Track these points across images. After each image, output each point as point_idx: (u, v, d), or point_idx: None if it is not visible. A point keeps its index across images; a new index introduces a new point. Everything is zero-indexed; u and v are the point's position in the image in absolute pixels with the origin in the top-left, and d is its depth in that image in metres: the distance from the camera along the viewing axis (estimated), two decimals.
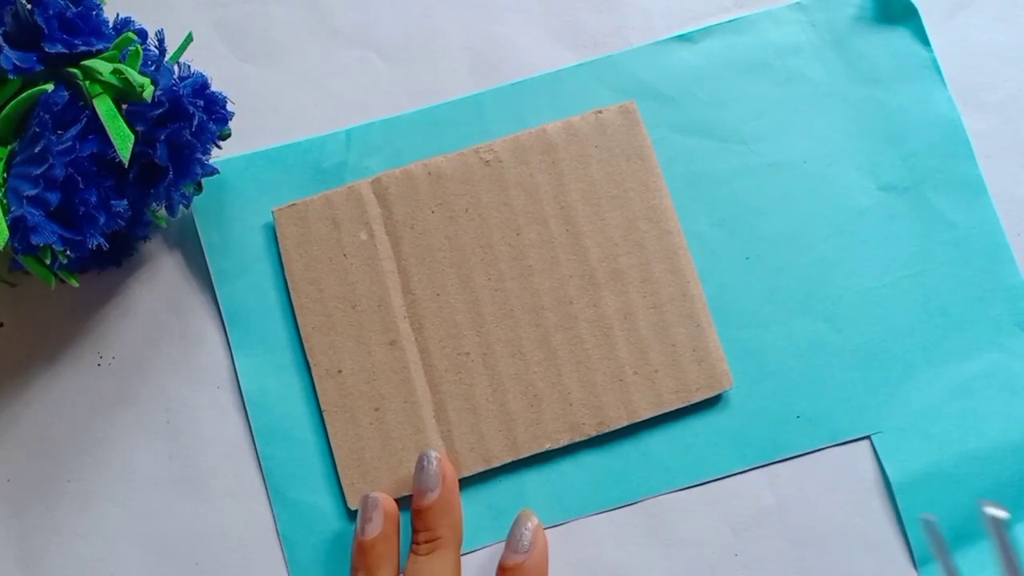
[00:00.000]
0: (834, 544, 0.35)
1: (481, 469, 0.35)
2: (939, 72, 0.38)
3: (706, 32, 0.39)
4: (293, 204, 0.37)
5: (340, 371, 0.36)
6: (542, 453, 0.36)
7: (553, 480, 0.36)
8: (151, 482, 0.37)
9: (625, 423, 0.35)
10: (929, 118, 0.38)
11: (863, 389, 0.36)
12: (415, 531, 0.34)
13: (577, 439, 0.35)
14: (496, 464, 0.35)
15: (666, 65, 0.39)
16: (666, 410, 0.35)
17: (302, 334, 0.36)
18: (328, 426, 0.36)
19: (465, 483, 0.36)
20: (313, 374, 0.36)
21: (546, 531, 0.36)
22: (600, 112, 0.37)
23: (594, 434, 0.35)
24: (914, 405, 0.36)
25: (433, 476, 0.34)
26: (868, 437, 0.36)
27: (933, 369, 0.36)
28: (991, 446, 0.36)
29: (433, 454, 0.34)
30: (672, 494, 0.36)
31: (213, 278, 0.37)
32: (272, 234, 0.37)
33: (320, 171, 0.38)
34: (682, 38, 0.39)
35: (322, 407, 0.36)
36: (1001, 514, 0.29)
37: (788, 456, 0.36)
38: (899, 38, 0.38)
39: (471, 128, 0.38)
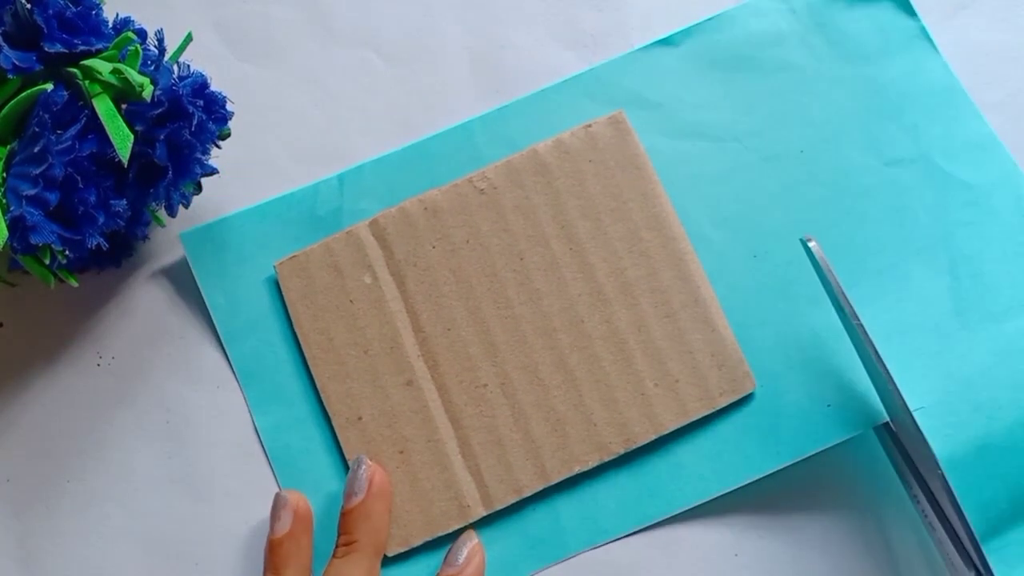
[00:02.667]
0: (834, 544, 0.35)
1: (513, 500, 0.35)
2: (929, 39, 0.38)
3: (687, 33, 0.39)
4: (294, 256, 0.37)
5: (360, 418, 0.36)
6: (572, 477, 0.35)
7: (587, 503, 0.35)
8: (151, 482, 0.37)
9: (652, 437, 0.35)
10: (925, 86, 0.38)
11: (897, 366, 0.34)
12: (338, 535, 0.34)
13: (606, 459, 0.35)
14: (527, 493, 0.35)
15: (650, 72, 0.38)
16: (691, 419, 0.35)
17: (318, 385, 0.36)
18: None
19: (499, 516, 0.35)
20: (334, 424, 0.36)
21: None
22: (590, 126, 0.37)
23: (622, 452, 0.35)
24: (957, 375, 0.34)
25: (360, 481, 0.34)
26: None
27: (972, 334, 0.35)
28: None
29: (364, 460, 0.35)
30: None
31: (223, 339, 0.37)
32: (276, 288, 0.37)
33: (316, 219, 0.38)
34: (663, 43, 0.38)
35: (346, 456, 0.36)
36: (814, 244, 0.32)
37: (824, 447, 0.35)
38: (882, 12, 0.38)
39: (462, 157, 0.38)
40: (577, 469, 0.35)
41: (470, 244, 0.36)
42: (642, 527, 0.35)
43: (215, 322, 0.37)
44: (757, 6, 0.39)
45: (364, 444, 0.35)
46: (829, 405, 0.35)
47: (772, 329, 0.36)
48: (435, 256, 0.36)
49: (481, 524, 0.35)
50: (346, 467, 0.36)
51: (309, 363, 0.36)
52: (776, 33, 0.38)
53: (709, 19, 0.39)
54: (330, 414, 0.36)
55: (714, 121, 0.38)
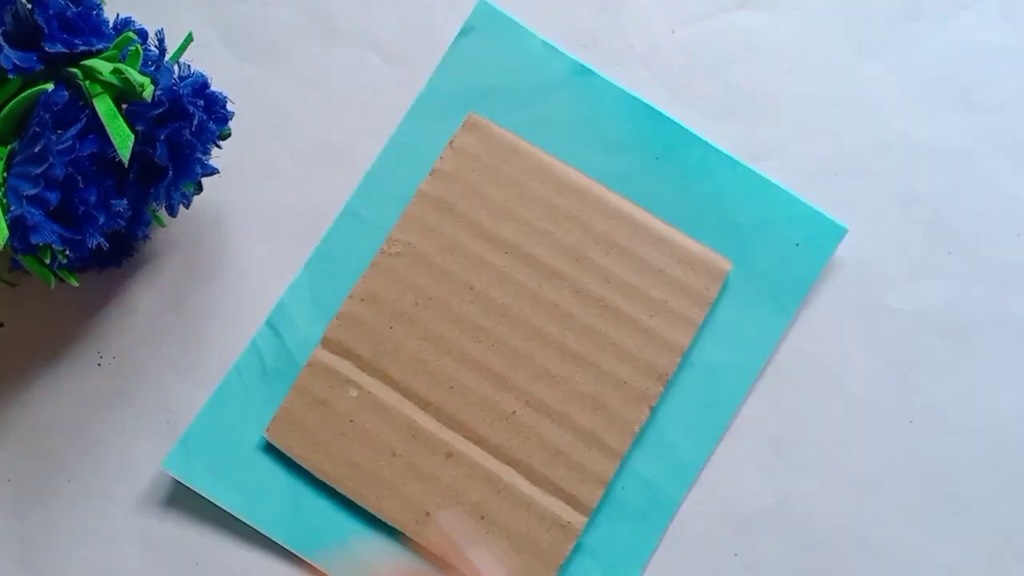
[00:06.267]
0: (834, 544, 0.35)
1: (601, 493, 0.35)
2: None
3: (479, 14, 0.39)
4: (275, 416, 0.36)
5: (427, 513, 0.35)
6: (636, 439, 0.35)
7: (662, 451, 0.36)
8: (151, 482, 0.37)
9: (679, 360, 0.36)
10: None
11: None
12: None
13: (654, 404, 0.35)
14: (611, 477, 0.35)
15: (468, 63, 0.39)
16: (699, 325, 0.36)
17: (371, 510, 0.35)
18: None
19: (598, 512, 0.35)
20: (406, 532, 0.35)
21: None
22: (452, 142, 0.37)
23: (663, 388, 0.35)
24: None
25: None
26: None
27: None
28: None
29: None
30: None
31: (263, 531, 0.35)
32: (276, 451, 0.36)
33: (273, 372, 0.37)
34: (463, 34, 0.39)
35: (438, 554, 0.34)
36: None
37: (818, 277, 0.37)
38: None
39: (363, 237, 0.37)
40: (637, 429, 0.35)
41: (420, 305, 0.36)
42: (722, 437, 0.36)
43: (246, 521, 0.35)
44: None
45: (443, 534, 0.34)
46: (798, 244, 0.37)
47: (709, 210, 0.37)
48: (398, 335, 0.36)
49: (589, 530, 0.35)
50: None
51: (351, 497, 0.35)
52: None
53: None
54: (398, 527, 0.35)
55: (551, 74, 0.39)
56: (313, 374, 0.36)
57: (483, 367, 0.36)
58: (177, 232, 0.38)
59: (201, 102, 0.33)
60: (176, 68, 0.33)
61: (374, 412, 0.36)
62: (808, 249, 0.37)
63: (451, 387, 0.36)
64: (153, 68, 0.32)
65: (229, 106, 0.34)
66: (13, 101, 0.30)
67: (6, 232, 0.29)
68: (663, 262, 0.36)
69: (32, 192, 0.29)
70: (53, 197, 0.29)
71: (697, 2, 0.40)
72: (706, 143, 0.38)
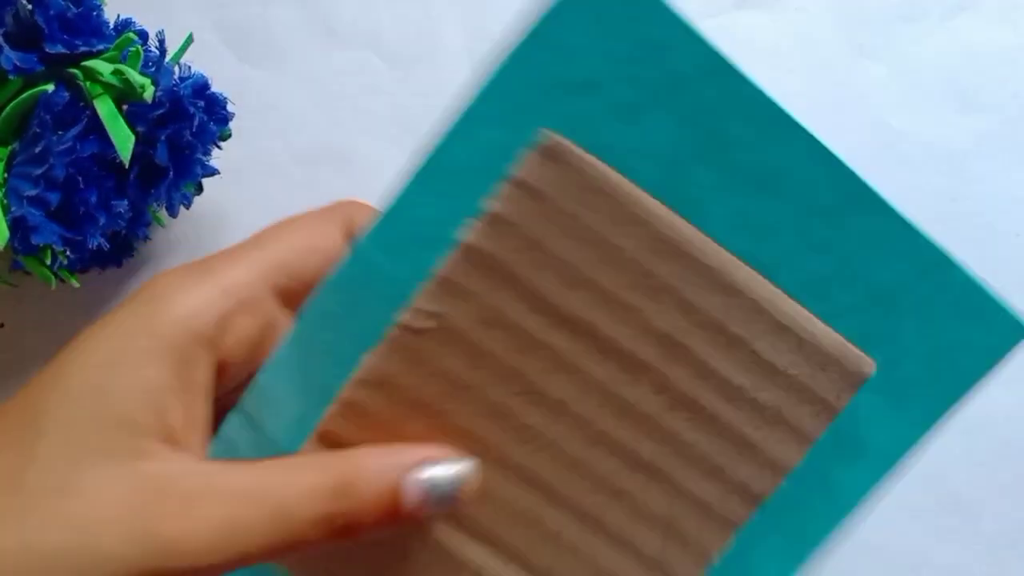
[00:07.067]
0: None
1: None
2: None
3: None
4: None
5: None
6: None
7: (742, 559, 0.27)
8: None
9: (780, 481, 0.27)
10: None
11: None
12: None
13: (742, 520, 0.27)
14: None
15: (562, 44, 0.23)
16: (817, 438, 0.27)
17: None
18: None
19: None
20: None
21: None
22: (517, 175, 0.24)
23: (752, 512, 0.27)
24: None
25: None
26: None
27: None
28: None
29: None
30: None
31: None
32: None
33: None
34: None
35: None
36: None
37: (976, 385, 0.27)
38: None
39: (376, 293, 0.25)
40: (716, 558, 0.27)
41: (452, 394, 0.26)
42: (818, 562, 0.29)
43: None
44: None
45: None
46: (964, 339, 0.27)
47: (861, 283, 0.27)
48: (416, 431, 0.26)
49: None
50: None
51: None
52: None
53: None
54: None
55: (677, 69, 0.24)
56: None
57: (527, 478, 0.27)
58: (177, 233, 0.38)
59: (202, 103, 0.33)
60: (177, 69, 0.33)
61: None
62: (976, 348, 0.27)
63: (483, 496, 0.26)
64: (153, 69, 0.32)
65: (229, 107, 0.34)
66: (14, 102, 0.30)
67: (7, 233, 0.29)
68: (785, 358, 0.26)
69: (33, 193, 0.29)
70: (54, 198, 0.29)
71: (697, 2, 0.40)
72: (887, 206, 0.27)
